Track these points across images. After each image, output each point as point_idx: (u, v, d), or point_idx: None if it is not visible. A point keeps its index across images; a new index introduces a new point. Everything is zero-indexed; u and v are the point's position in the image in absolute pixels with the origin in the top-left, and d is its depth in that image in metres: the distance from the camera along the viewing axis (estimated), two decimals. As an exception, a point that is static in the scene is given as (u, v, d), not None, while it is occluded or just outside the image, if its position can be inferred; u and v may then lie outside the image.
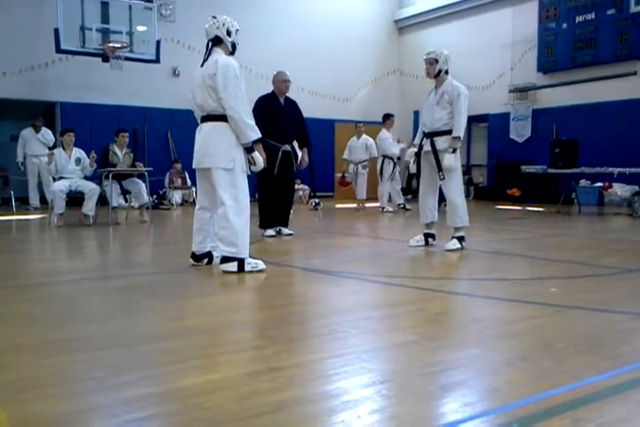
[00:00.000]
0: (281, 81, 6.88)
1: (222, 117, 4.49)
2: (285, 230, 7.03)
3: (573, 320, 3.13)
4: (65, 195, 8.41)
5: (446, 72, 5.84)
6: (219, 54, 4.57)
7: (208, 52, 4.64)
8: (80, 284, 4.27)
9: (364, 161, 11.61)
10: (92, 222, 8.47)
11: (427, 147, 5.91)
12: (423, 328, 2.97)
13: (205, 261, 4.86)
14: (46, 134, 11.70)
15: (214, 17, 4.66)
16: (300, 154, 7.08)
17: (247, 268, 4.51)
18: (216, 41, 4.63)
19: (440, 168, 5.77)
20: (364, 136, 11.66)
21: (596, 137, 12.33)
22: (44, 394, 2.05)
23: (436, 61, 5.77)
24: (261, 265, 4.58)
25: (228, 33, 4.61)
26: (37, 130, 11.63)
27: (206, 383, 2.15)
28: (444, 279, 4.48)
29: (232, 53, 4.70)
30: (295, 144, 6.99)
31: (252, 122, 4.52)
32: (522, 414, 1.88)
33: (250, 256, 4.59)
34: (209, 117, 4.57)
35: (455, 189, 5.86)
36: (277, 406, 1.94)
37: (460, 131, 5.70)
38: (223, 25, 4.60)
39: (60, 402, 1.98)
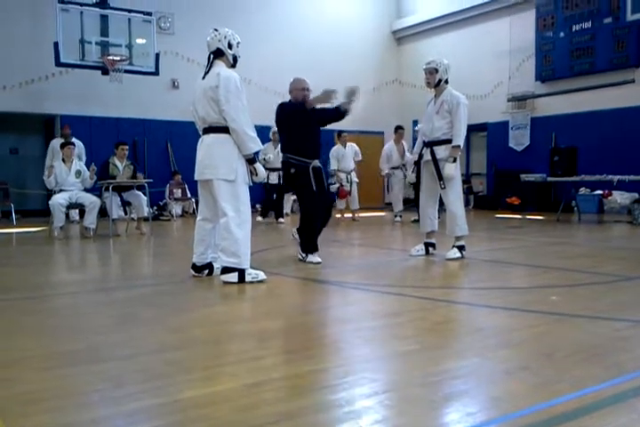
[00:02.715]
0: (298, 89, 5.88)
1: (224, 129, 4.52)
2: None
3: (574, 329, 3.13)
4: (65, 208, 8.43)
5: (446, 81, 5.85)
6: (220, 67, 4.61)
7: (209, 65, 4.68)
8: (82, 296, 4.28)
9: (354, 169, 11.55)
10: (92, 235, 8.48)
11: (427, 156, 5.91)
12: (424, 338, 2.97)
13: (206, 272, 4.87)
14: (76, 143, 10.66)
15: (216, 29, 4.69)
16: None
17: (247, 278, 4.52)
18: (217, 53, 4.66)
19: (440, 177, 5.77)
20: (349, 144, 11.54)
21: (595, 145, 12.37)
22: (47, 407, 2.05)
23: (436, 71, 5.78)
24: (262, 276, 4.59)
25: (230, 46, 4.65)
26: (67, 139, 10.98)
27: (209, 395, 2.16)
28: (444, 288, 4.49)
29: (233, 66, 4.74)
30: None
31: (254, 133, 4.55)
32: (524, 424, 1.88)
33: (250, 267, 4.60)
34: (211, 129, 4.60)
35: (456, 198, 5.86)
36: (280, 416, 1.95)
37: (459, 140, 5.71)
38: (225, 38, 4.64)
39: (62, 415, 1.99)
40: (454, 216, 5.84)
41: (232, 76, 4.50)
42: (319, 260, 5.69)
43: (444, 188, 5.78)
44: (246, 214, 4.57)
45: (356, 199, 11.53)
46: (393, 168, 11.23)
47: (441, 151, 5.80)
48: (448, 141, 5.76)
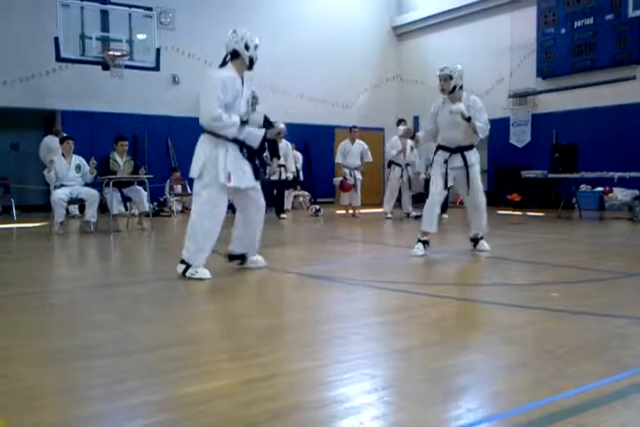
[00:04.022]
0: None
1: (205, 129, 4.60)
2: None
3: (575, 325, 3.13)
4: (65, 203, 8.43)
5: (460, 87, 5.76)
6: (222, 68, 4.61)
7: (220, 66, 4.67)
8: (82, 292, 4.27)
9: (359, 166, 11.48)
10: (92, 230, 8.48)
11: (457, 163, 5.80)
12: (425, 334, 2.97)
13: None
14: None
15: (234, 31, 4.67)
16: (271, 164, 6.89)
17: (187, 273, 4.53)
18: (234, 55, 4.63)
19: (469, 183, 5.77)
20: (358, 141, 11.47)
21: (595, 141, 12.34)
22: (48, 403, 2.05)
23: (451, 78, 5.67)
24: (205, 275, 4.51)
25: (247, 47, 4.60)
26: (59, 135, 10.93)
27: (208, 391, 2.15)
28: (444, 285, 4.49)
29: (250, 68, 4.70)
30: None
31: (223, 122, 4.44)
32: (524, 420, 1.88)
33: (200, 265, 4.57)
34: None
35: (484, 196, 5.93)
36: (279, 413, 1.94)
37: (482, 132, 5.70)
38: (242, 39, 4.60)
39: (63, 411, 1.98)
40: (482, 214, 5.91)
41: (213, 76, 4.52)
42: None
43: (468, 195, 5.84)
44: (203, 214, 4.55)
45: (359, 196, 11.51)
46: (395, 164, 11.10)
47: (471, 155, 5.81)
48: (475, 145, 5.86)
